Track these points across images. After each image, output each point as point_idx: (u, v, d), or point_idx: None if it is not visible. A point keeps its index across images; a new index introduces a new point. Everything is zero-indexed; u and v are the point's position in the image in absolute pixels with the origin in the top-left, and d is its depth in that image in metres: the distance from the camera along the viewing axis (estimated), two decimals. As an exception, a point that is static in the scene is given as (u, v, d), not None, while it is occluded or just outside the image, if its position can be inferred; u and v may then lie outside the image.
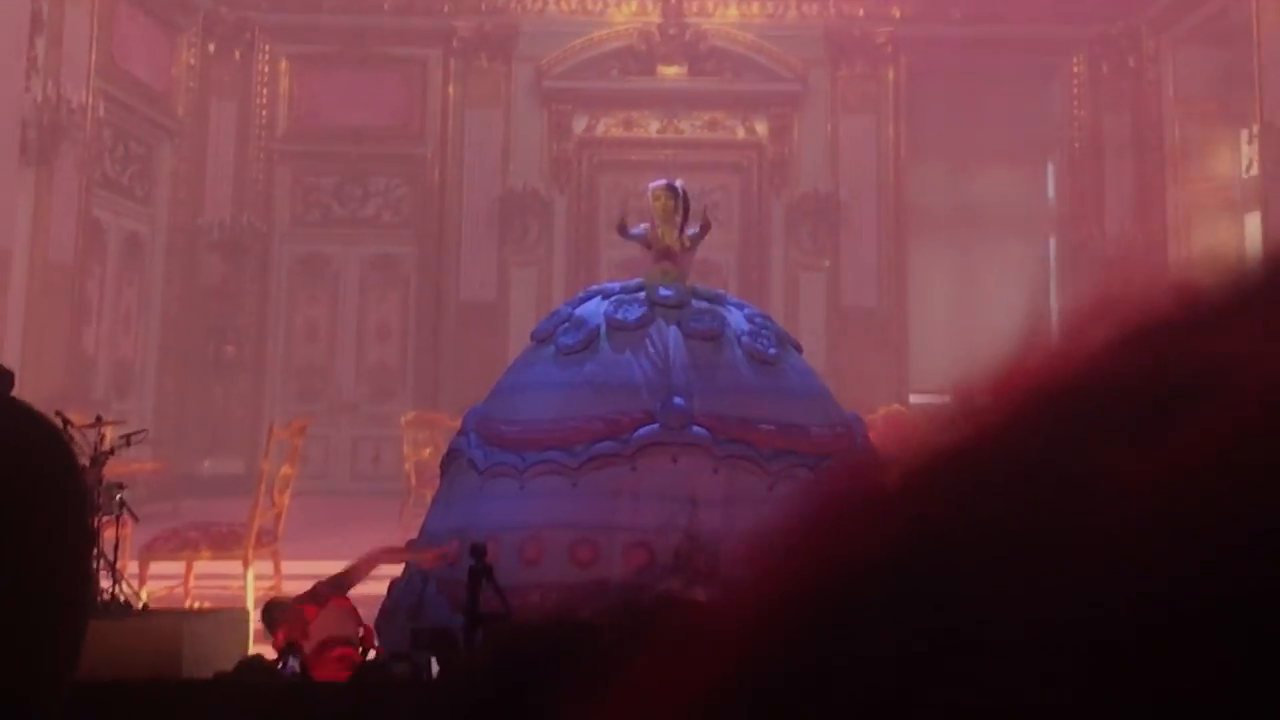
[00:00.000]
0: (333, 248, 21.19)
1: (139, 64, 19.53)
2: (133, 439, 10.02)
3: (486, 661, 1.30)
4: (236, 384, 20.64)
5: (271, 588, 11.49)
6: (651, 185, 10.19)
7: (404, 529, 13.26)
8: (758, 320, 9.72)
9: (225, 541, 11.55)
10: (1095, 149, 21.34)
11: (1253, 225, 18.12)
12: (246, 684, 7.06)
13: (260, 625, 9.05)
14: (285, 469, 12.21)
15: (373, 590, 9.61)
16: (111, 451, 9.63)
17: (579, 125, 21.37)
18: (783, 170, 21.13)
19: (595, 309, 9.51)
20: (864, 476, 0.48)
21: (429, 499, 10.22)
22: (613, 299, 9.55)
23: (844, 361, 19.14)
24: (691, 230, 9.91)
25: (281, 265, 21.15)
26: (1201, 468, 0.40)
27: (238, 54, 21.18)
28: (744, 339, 9.33)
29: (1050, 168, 22.08)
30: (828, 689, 0.43)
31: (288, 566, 11.89)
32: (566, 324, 9.52)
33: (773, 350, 9.37)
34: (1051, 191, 22.04)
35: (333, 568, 11.67)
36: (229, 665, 7.51)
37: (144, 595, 9.98)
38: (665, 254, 9.76)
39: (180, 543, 11.53)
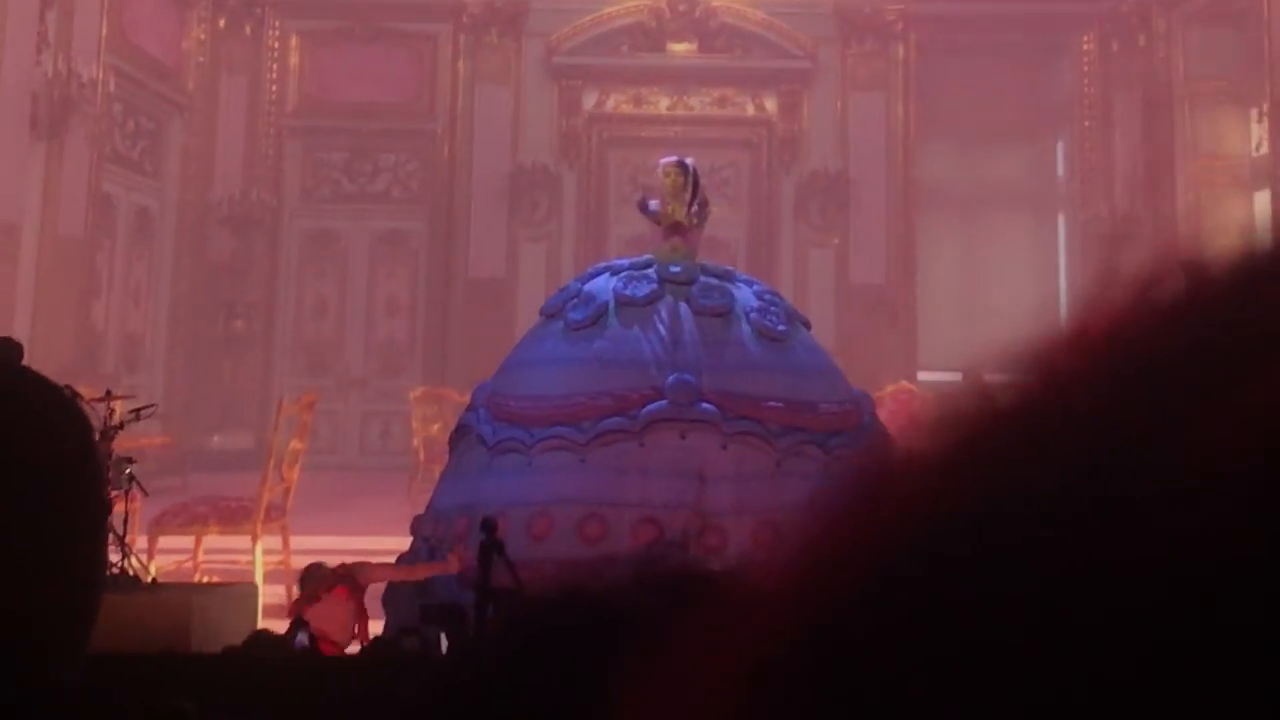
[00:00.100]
0: (342, 223, 21.17)
1: (149, 39, 19.50)
2: (142, 413, 10.02)
3: (498, 636, 1.31)
4: (246, 359, 20.63)
5: (280, 562, 11.50)
6: (662, 161, 10.17)
7: (412, 504, 13.26)
8: (766, 297, 9.70)
9: (234, 516, 11.55)
10: (1105, 127, 21.29)
11: (1262, 203, 18.07)
12: (255, 658, 7.07)
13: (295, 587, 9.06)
14: (294, 444, 12.21)
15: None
16: (121, 426, 9.63)
17: (589, 101, 21.34)
18: (792, 147, 21.09)
19: (604, 285, 9.50)
20: (909, 447, 0.48)
21: (437, 474, 10.22)
22: (622, 275, 9.54)
23: (852, 339, 19.11)
24: (695, 205, 9.88)
25: (291, 240, 21.14)
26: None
27: (248, 29, 21.15)
28: (753, 316, 9.31)
29: (1060, 146, 22.03)
30: (875, 659, 0.43)
31: (296, 541, 11.89)
32: (575, 300, 9.50)
33: (781, 327, 9.35)
34: (1061, 169, 21.99)
35: (341, 543, 11.69)
36: (237, 639, 7.52)
37: (153, 569, 9.98)
38: (675, 230, 9.74)
39: (189, 517, 11.53)
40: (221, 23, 21.03)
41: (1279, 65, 17.59)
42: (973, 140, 21.63)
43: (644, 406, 8.89)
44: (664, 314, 9.26)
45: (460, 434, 9.62)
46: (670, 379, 8.93)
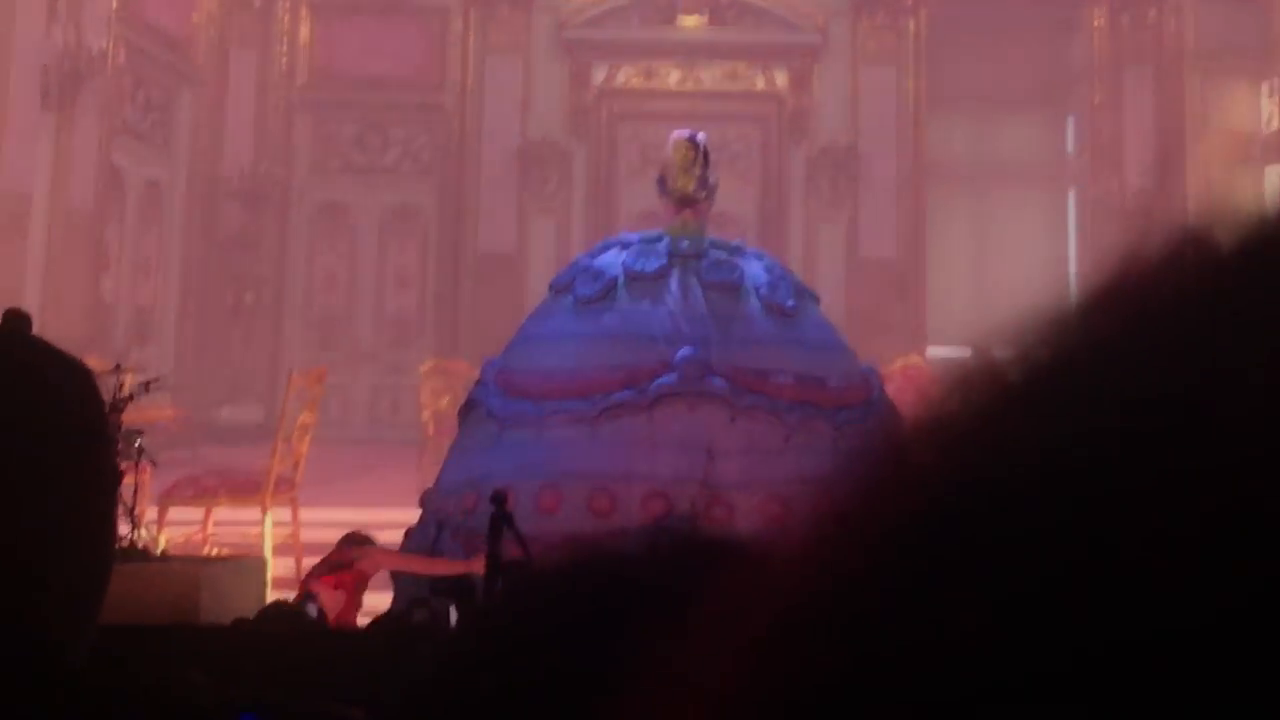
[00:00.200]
0: (352, 196, 21.17)
1: (160, 11, 19.48)
2: (151, 386, 10.03)
3: (508, 607, 1.31)
4: (255, 332, 20.64)
5: (289, 535, 11.52)
6: (673, 136, 10.16)
7: (422, 477, 13.27)
8: (776, 272, 9.69)
9: (243, 489, 11.58)
10: (1115, 102, 21.23)
11: (1273, 178, 18.05)
12: (266, 630, 7.08)
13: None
14: (304, 417, 12.23)
15: (391, 539, 9.63)
16: (130, 398, 9.64)
17: (599, 75, 21.30)
18: (802, 122, 21.06)
19: (614, 260, 9.50)
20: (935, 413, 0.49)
21: (447, 448, 10.22)
22: (631, 250, 9.53)
23: (862, 313, 19.07)
24: (705, 179, 9.85)
25: (301, 214, 21.14)
26: None
27: (258, 1, 21.12)
28: (762, 290, 9.31)
29: (1070, 121, 21.99)
30: (904, 631, 0.43)
31: (305, 514, 11.92)
32: (585, 275, 9.50)
33: (791, 302, 9.35)
34: (1071, 145, 21.95)
35: (351, 515, 11.70)
36: (247, 612, 7.53)
37: (162, 541, 10.01)
38: (684, 205, 9.73)
39: (198, 489, 11.56)
40: (232, -5, 21.03)
41: (1291, 40, 17.54)
42: (983, 115, 21.60)
43: (653, 381, 8.89)
44: (673, 288, 9.26)
45: (469, 408, 9.62)
46: (679, 353, 8.93)
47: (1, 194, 15.93)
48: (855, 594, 0.45)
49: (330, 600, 8.24)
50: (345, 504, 13.16)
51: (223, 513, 11.63)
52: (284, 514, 11.69)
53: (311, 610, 7.80)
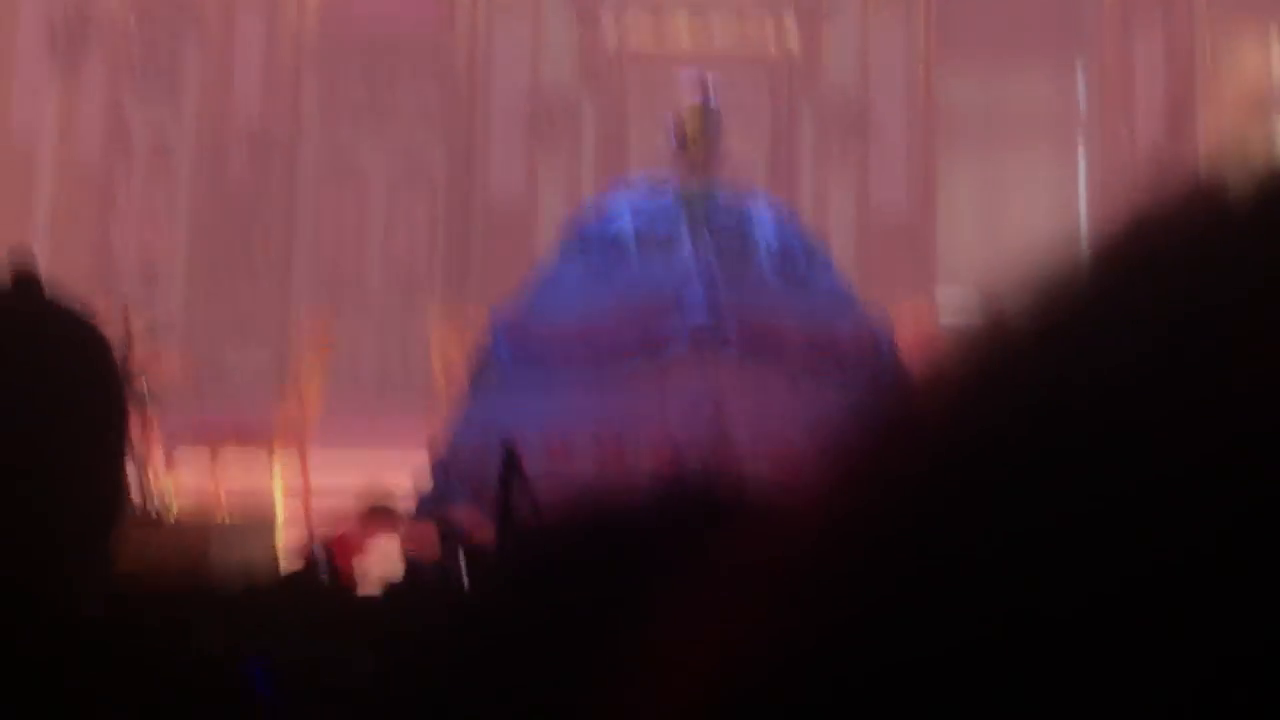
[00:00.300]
0: (361, 148, 21.11)
1: (167, -39, 19.44)
2: (160, 334, 10.04)
3: (520, 562, 1.30)
4: (264, 283, 20.62)
5: (299, 481, 11.54)
6: (682, 78, 10.14)
7: (430, 427, 13.28)
8: (786, 223, 9.71)
9: (252, 435, 11.61)
10: (1126, 55, 21.13)
11: (1281, 127, 18.03)
12: (275, 589, 7.09)
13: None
14: (312, 365, 12.24)
15: (400, 485, 9.64)
16: (138, 347, 9.65)
17: (608, 24, 21.22)
18: (812, 73, 20.98)
19: (624, 211, 9.50)
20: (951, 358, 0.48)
21: (455, 398, 10.23)
22: (640, 202, 9.54)
23: (872, 267, 19.04)
24: (716, 134, 9.85)
25: (309, 164, 21.08)
26: None
27: (266, -49, 21.06)
28: (772, 242, 9.31)
29: (1081, 74, 21.91)
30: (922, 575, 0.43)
31: (315, 460, 11.94)
32: (595, 227, 9.51)
33: (801, 254, 9.36)
34: (1082, 98, 21.88)
35: (359, 462, 11.72)
36: (258, 572, 7.55)
37: (169, 488, 10.02)
38: (694, 158, 9.72)
39: (207, 437, 11.58)
40: (240, -54, 20.95)
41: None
42: (993, 67, 21.51)
43: (662, 333, 8.90)
44: (683, 241, 9.26)
45: (478, 362, 9.64)
46: (689, 306, 8.94)
47: (9, 145, 15.92)
48: (863, 547, 0.44)
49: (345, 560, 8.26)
50: (354, 452, 13.17)
51: (232, 464, 11.65)
52: (293, 460, 11.71)
53: (323, 569, 7.81)
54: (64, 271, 14.83)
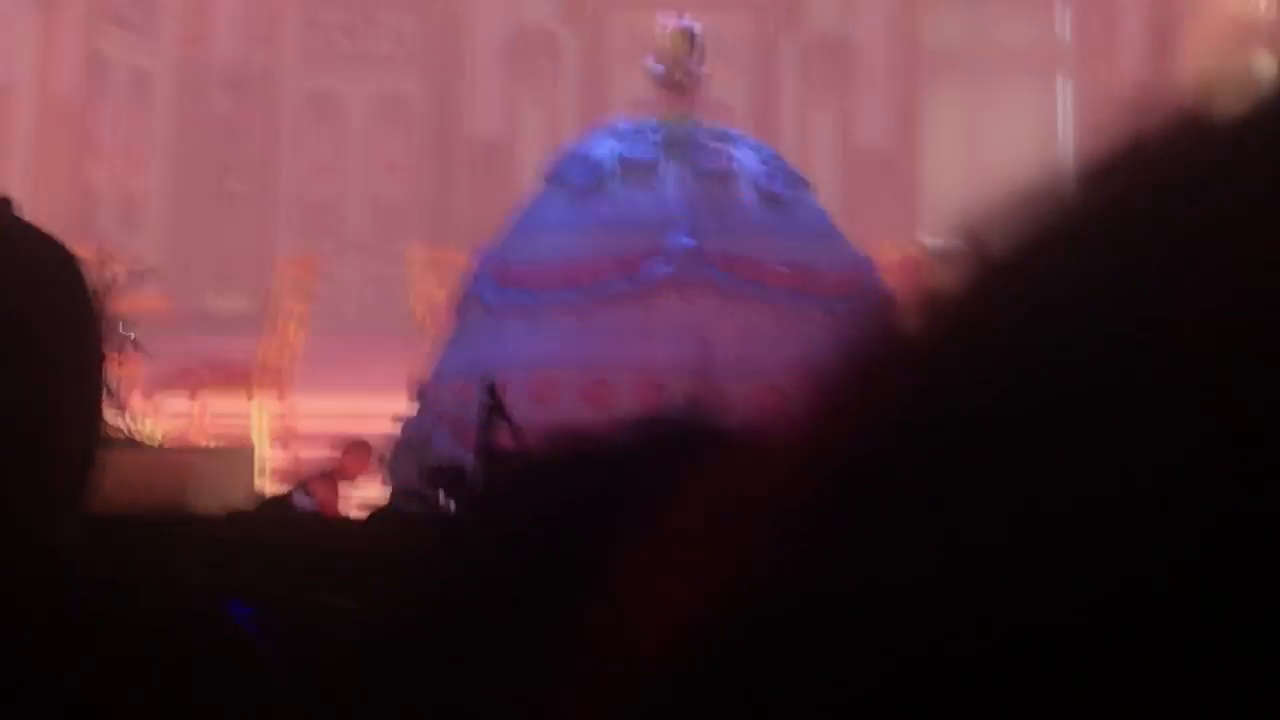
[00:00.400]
0: (342, 84, 21.06)
1: (145, -105, 19.32)
2: (139, 274, 10.02)
3: (499, 498, 1.29)
4: (244, 221, 20.59)
5: (280, 424, 11.54)
6: (666, 23, 10.11)
7: (412, 366, 13.28)
8: (769, 159, 9.72)
9: (234, 378, 11.60)
10: (1110, -13, 21.14)
11: (1268, 65, 18.01)
12: (256, 519, 7.10)
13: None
14: (294, 306, 12.23)
15: (382, 428, 9.64)
16: (118, 287, 9.62)
17: (590, -37, 21.18)
18: (795, 8, 20.95)
19: (606, 148, 9.52)
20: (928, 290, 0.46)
21: (438, 337, 10.23)
22: (624, 138, 9.55)
23: (854, 202, 19.06)
24: (697, 67, 9.84)
25: (290, 102, 21.03)
26: None
27: (245, -116, 20.95)
28: (755, 178, 9.33)
29: (1063, 7, 21.88)
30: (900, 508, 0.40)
31: (296, 403, 11.93)
32: (577, 163, 9.52)
33: (784, 189, 9.37)
34: (1064, 31, 21.86)
35: (341, 405, 11.71)
36: (238, 502, 7.56)
37: (150, 431, 10.02)
38: (677, 93, 9.71)
39: (189, 379, 11.57)
40: (219, -124, 20.83)
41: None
42: (976, 1, 21.48)
43: (647, 269, 8.90)
44: (666, 176, 9.28)
45: (463, 300, 9.66)
46: (673, 241, 8.94)
47: (-14, 82, 15.86)
48: (847, 483, 0.42)
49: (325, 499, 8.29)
50: (336, 393, 13.17)
51: (213, 402, 11.64)
52: (274, 403, 11.70)
53: (304, 503, 7.82)
54: (42, 212, 14.80)
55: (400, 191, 21.02)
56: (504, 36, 20.68)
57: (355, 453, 9.31)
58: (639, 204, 9.17)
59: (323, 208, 20.94)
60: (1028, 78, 21.59)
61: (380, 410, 10.40)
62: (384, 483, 8.97)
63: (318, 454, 11.37)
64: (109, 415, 8.28)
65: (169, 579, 1.74)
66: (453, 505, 7.32)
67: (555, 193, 9.52)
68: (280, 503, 7.69)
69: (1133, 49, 20.43)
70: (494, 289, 9.25)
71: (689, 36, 9.81)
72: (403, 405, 9.61)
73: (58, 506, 1.66)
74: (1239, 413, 0.36)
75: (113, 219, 18.66)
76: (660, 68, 9.86)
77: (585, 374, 8.72)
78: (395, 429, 9.44)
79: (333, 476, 8.33)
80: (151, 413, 10.91)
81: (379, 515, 7.16)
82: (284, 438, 11.36)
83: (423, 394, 9.46)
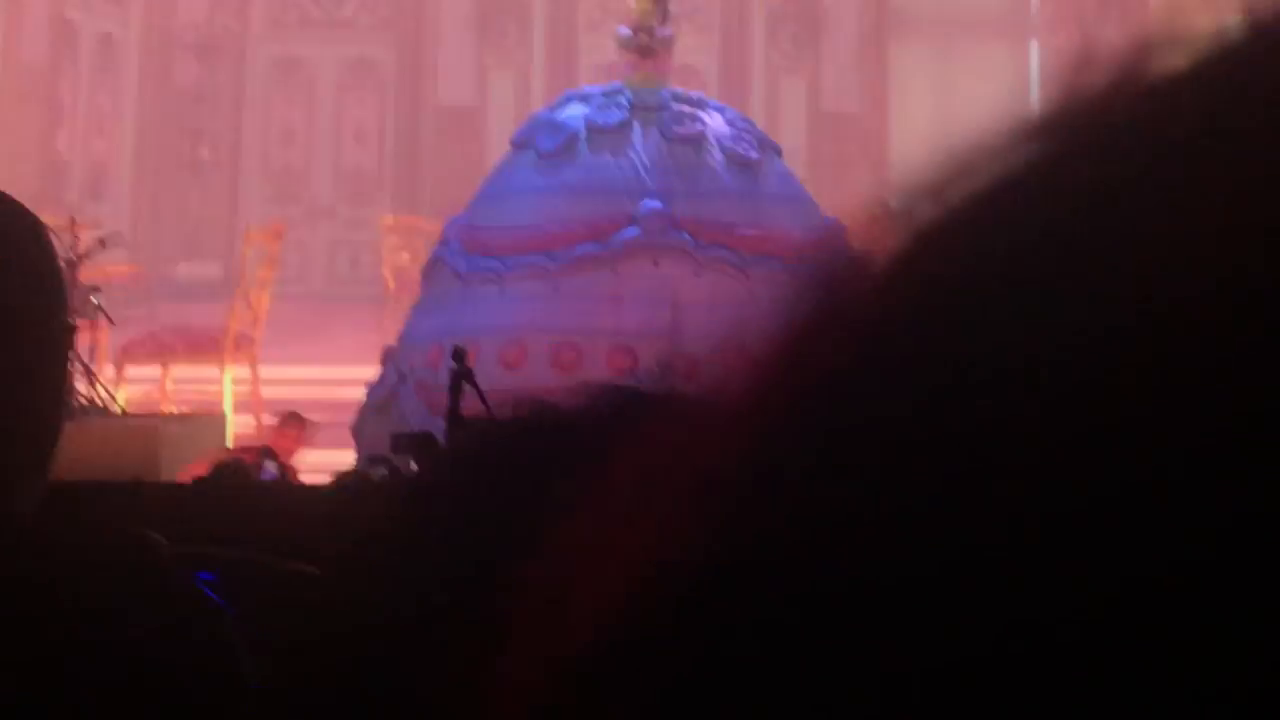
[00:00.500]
0: (310, 50, 20.97)
1: None
2: (107, 242, 9.99)
3: (461, 463, 1.28)
4: (212, 187, 20.52)
5: (249, 392, 11.51)
6: None
7: (382, 333, 13.25)
8: (738, 124, 9.72)
9: (202, 346, 11.55)
10: (1079, -48, 21.14)
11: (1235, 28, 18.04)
12: (224, 486, 7.08)
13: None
14: (262, 273, 12.20)
15: (352, 395, 9.64)
16: (86, 254, 9.59)
17: (559, -72, 21.10)
18: (764, -27, 20.92)
19: (574, 113, 9.50)
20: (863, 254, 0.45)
21: (407, 304, 10.23)
22: (592, 103, 9.54)
23: (825, 167, 19.07)
24: (665, 31, 9.81)
25: (258, 68, 20.94)
26: None
27: None
28: (725, 143, 9.32)
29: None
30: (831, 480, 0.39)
31: (265, 371, 11.90)
32: (545, 129, 9.51)
33: (754, 154, 9.37)
34: (1034, -5, 21.89)
35: (311, 372, 11.69)
36: (206, 468, 7.54)
37: (120, 399, 9.99)
38: (645, 56, 9.69)
39: (157, 347, 11.52)
40: None
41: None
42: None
43: (616, 233, 8.90)
44: (635, 141, 9.27)
45: (433, 267, 9.66)
46: (643, 206, 8.94)
47: (-49, 48, 15.77)
48: (777, 451, 0.41)
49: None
50: (305, 361, 13.15)
51: (181, 370, 11.61)
52: (243, 371, 11.67)
53: (271, 468, 7.81)
54: (9, 176, 14.73)
55: (369, 158, 20.97)
56: (472, 1, 20.61)
57: (288, 427, 9.27)
58: (608, 169, 9.17)
59: (291, 174, 20.87)
60: (998, 41, 21.59)
61: (349, 377, 10.38)
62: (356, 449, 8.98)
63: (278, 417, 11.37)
64: (78, 383, 8.29)
65: (134, 548, 1.73)
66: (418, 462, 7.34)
67: (524, 158, 9.51)
68: (244, 468, 7.68)
69: (1103, 12, 20.45)
70: (463, 256, 9.25)
71: (656, 0, 9.79)
72: (371, 371, 9.61)
73: (17, 474, 1.65)
74: (1163, 368, 0.35)
75: (80, 187, 18.59)
76: (628, 31, 9.85)
77: (555, 339, 8.72)
78: (363, 395, 9.44)
79: (268, 451, 8.31)
80: (120, 381, 10.88)
81: (343, 481, 7.16)
82: (252, 405, 11.33)
83: (388, 356, 9.46)
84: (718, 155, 9.25)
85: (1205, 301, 0.35)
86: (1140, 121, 0.41)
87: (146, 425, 8.68)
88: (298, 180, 20.82)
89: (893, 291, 0.42)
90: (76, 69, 18.61)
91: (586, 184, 9.14)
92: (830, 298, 0.45)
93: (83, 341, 9.23)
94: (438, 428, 7.31)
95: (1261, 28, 0.41)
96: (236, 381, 11.44)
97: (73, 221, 9.94)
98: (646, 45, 9.63)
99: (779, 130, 17.33)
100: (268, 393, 11.59)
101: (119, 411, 9.42)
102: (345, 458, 8.69)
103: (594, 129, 9.30)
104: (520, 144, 9.66)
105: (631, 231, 8.88)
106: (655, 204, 8.93)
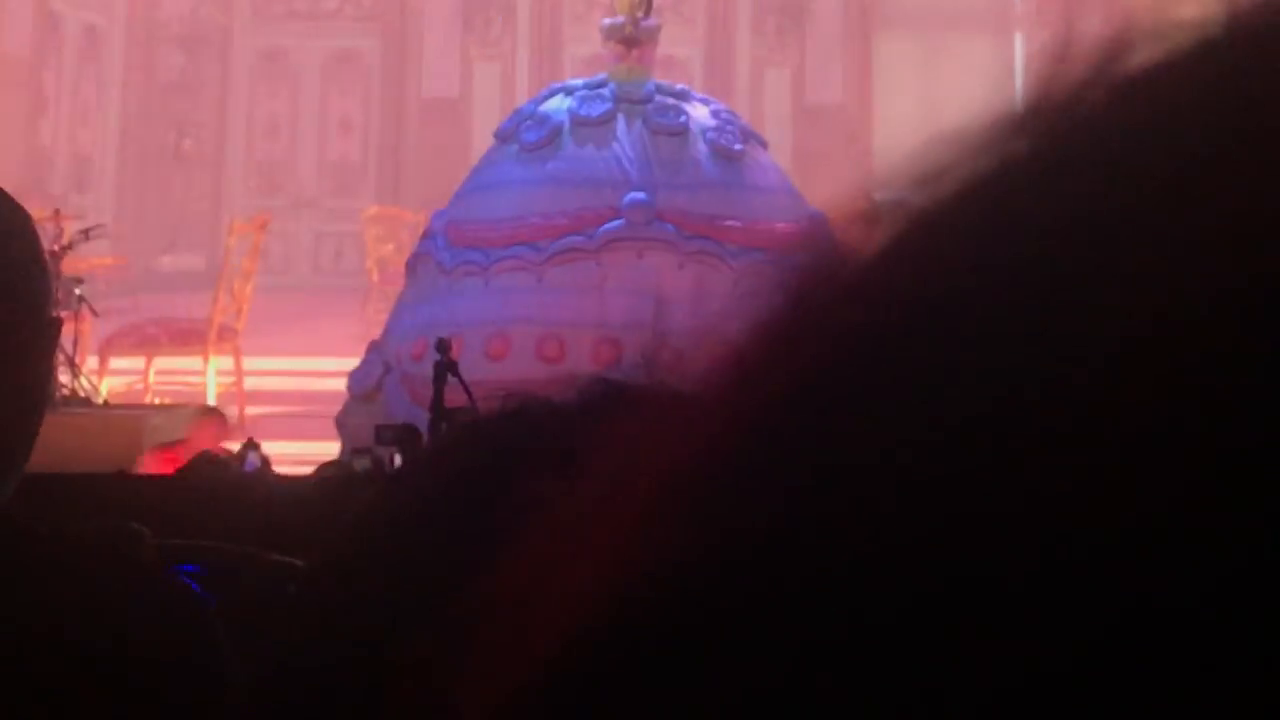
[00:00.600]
0: (294, 41, 20.95)
1: None
2: (91, 233, 9.97)
3: (451, 447, 1.28)
4: (196, 179, 20.50)
5: (232, 383, 11.50)
6: None
7: (366, 325, 13.25)
8: (723, 116, 9.71)
9: (186, 337, 11.53)
10: (1064, -54, 21.15)
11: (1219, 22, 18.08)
12: (207, 477, 7.08)
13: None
14: (246, 264, 12.18)
15: (334, 386, 9.64)
16: (70, 246, 9.58)
17: (544, -80, 21.08)
18: (749, -35, 20.92)
19: (558, 105, 9.50)
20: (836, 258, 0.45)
21: (391, 295, 10.23)
22: (576, 95, 9.53)
23: (809, 159, 19.07)
24: (649, 21, 9.81)
25: (242, 59, 20.93)
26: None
27: None
28: (709, 135, 9.32)
29: (1019, -36, 21.92)
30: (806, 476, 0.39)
31: (249, 362, 11.89)
32: (529, 121, 9.51)
33: (738, 146, 9.37)
34: (1019, -12, 21.90)
35: (295, 364, 11.68)
36: (175, 459, 7.55)
37: (103, 390, 9.98)
38: (628, 46, 9.68)
39: (140, 338, 11.50)
40: None
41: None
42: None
43: (601, 226, 8.90)
44: (619, 133, 9.27)
45: (417, 261, 9.66)
46: (627, 198, 8.94)
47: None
48: (746, 452, 0.41)
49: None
50: (289, 352, 13.14)
51: (165, 362, 11.59)
52: (226, 363, 11.66)
53: (254, 459, 7.79)
54: (-7, 170, 14.70)
55: (353, 149, 20.95)
56: (457, -5, 20.61)
57: (206, 421, 8.96)
58: (593, 161, 9.17)
59: (275, 166, 20.86)
60: (982, 34, 21.60)
61: (333, 368, 10.38)
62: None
63: (270, 410, 11.36)
64: (62, 376, 8.27)
65: (117, 540, 1.73)
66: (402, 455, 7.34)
67: (508, 151, 9.51)
68: (227, 459, 7.67)
69: (1088, 4, 20.44)
70: (448, 248, 9.25)
71: (638, -13, 9.79)
72: (355, 363, 9.61)
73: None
74: (1136, 368, 0.35)
75: (64, 178, 18.57)
76: (612, 21, 9.84)
77: (540, 331, 8.72)
78: (346, 386, 9.44)
79: (251, 443, 8.23)
80: (103, 372, 10.87)
81: (325, 472, 7.16)
82: (236, 396, 11.32)
83: (372, 349, 9.46)
84: (702, 147, 9.25)
85: (1194, 305, 0.35)
86: (1119, 116, 0.41)
87: (130, 417, 8.65)
88: (282, 171, 20.81)
89: (869, 289, 0.42)
90: (61, 60, 18.58)
91: (570, 176, 9.14)
92: (807, 293, 0.45)
93: (66, 333, 9.19)
94: (422, 420, 7.31)
95: (1242, 20, 0.41)
96: (220, 373, 11.42)
97: (56, 213, 9.92)
98: (631, 36, 9.63)
99: (763, 122, 17.34)
100: (251, 384, 11.59)
101: (102, 403, 9.41)
102: (329, 449, 8.69)
103: (578, 121, 9.30)
104: (504, 137, 9.66)
105: (616, 224, 8.88)
106: (639, 196, 8.93)
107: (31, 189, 15.77)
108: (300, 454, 8.90)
